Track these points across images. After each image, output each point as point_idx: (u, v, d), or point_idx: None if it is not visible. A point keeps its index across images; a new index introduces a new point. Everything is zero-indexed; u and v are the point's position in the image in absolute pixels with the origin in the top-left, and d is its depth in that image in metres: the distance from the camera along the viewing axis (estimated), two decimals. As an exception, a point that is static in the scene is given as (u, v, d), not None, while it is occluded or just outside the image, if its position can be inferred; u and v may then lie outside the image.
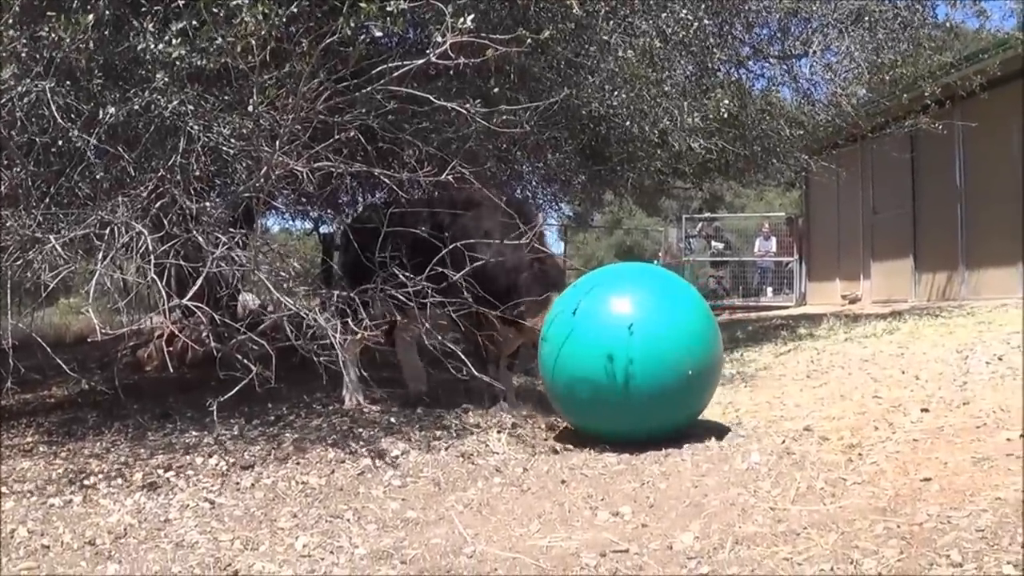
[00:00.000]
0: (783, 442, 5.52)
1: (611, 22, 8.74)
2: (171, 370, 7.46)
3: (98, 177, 5.84)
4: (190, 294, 5.60)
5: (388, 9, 5.30)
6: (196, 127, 5.83)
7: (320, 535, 4.44)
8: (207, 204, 6.10)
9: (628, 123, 9.33)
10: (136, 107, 5.64)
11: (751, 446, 5.46)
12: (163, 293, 5.66)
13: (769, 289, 24.47)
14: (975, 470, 4.41)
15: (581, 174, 10.95)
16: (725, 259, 25.42)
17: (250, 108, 5.75)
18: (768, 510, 4.28)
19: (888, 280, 18.44)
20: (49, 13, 5.26)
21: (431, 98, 6.02)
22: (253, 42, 5.30)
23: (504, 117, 6.58)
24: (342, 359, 7.39)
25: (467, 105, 6.12)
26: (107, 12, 5.60)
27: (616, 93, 8.88)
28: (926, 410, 5.83)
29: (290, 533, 4.49)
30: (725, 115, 9.97)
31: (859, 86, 11.70)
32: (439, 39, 5.38)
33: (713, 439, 5.73)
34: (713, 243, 25.35)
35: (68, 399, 6.77)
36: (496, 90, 7.13)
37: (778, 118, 11.57)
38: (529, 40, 5.68)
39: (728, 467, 5.09)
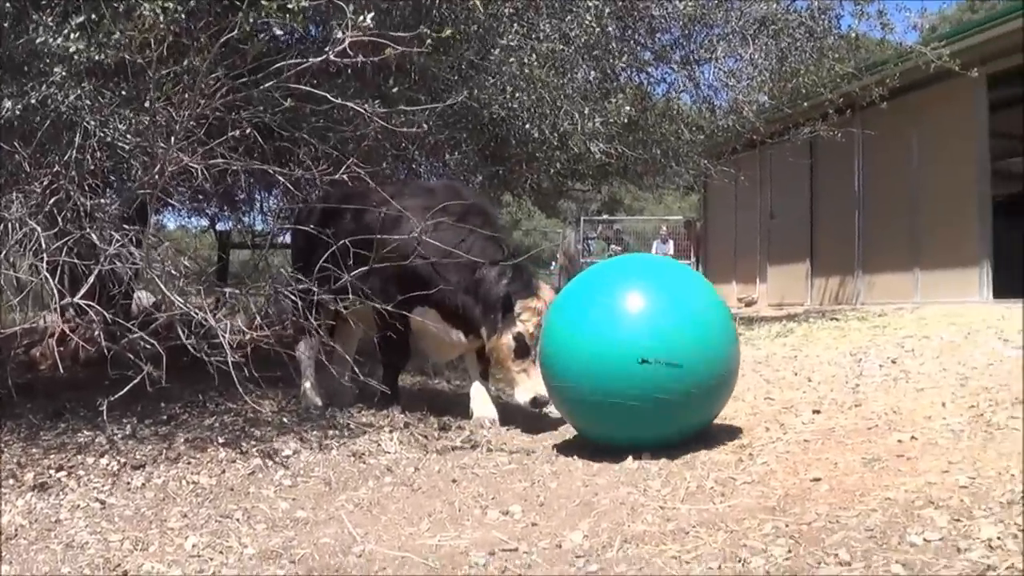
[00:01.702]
0: (677, 445, 5.48)
1: (515, 25, 8.76)
2: (62, 370, 7.33)
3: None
4: (82, 292, 5.53)
5: (289, 7, 5.26)
6: (92, 122, 5.74)
7: (210, 535, 4.41)
8: (102, 201, 6.01)
9: (528, 125, 9.34)
10: (32, 101, 5.53)
11: (644, 448, 5.42)
12: (55, 291, 5.58)
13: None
14: (865, 471, 4.46)
15: (479, 174, 10.93)
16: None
17: (147, 103, 5.67)
18: (657, 509, 4.31)
19: (784, 283, 18.73)
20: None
21: (329, 96, 6.00)
22: (151, 37, 5.24)
23: (404, 118, 6.57)
24: (301, 360, 7.51)
25: (365, 105, 6.10)
26: (6, 4, 5.50)
27: (517, 95, 8.90)
28: (818, 411, 5.89)
29: (180, 533, 4.46)
30: (626, 120, 10.03)
31: (761, 93, 11.86)
32: (339, 35, 5.35)
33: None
34: (612, 245, 25.48)
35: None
36: (396, 90, 7.10)
37: (679, 123, 11.66)
38: (430, 40, 5.68)
39: (619, 467, 5.14)
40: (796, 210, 18.21)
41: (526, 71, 8.76)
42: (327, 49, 5.49)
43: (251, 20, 5.33)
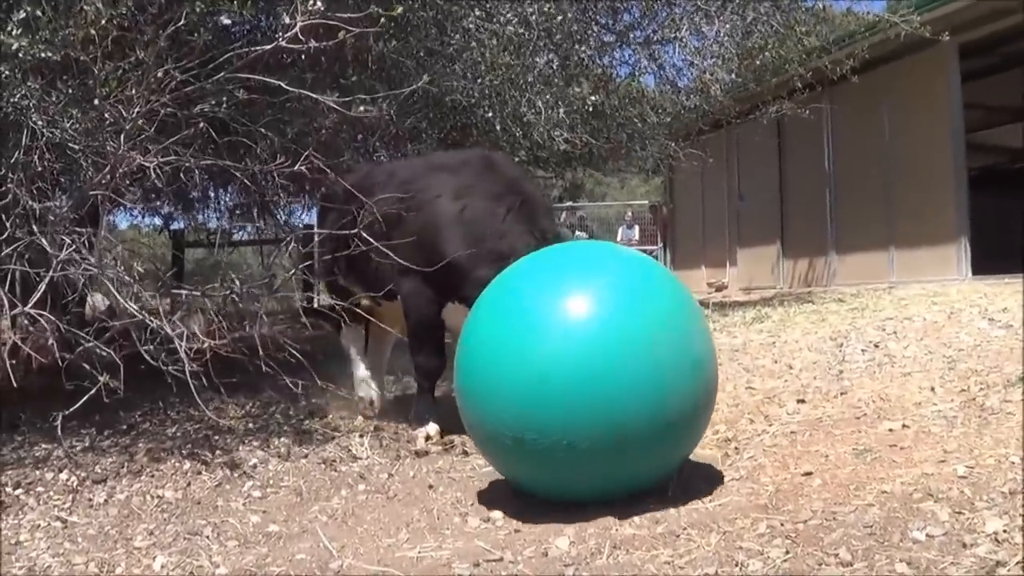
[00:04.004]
0: None
1: (475, 9, 8.59)
2: (14, 382, 7.11)
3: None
4: (33, 300, 5.32)
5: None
6: (40, 122, 5.53)
7: (179, 554, 4.23)
8: (51, 203, 5.79)
9: (490, 114, 9.18)
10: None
11: None
12: (5, 300, 5.37)
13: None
14: (858, 463, 4.32)
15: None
16: (590, 249, 25.17)
17: (95, 101, 5.47)
18: (645, 511, 4.14)
19: (755, 266, 18.59)
20: None
21: (283, 85, 5.81)
22: (95, 32, 5.05)
23: (362, 108, 6.37)
24: (346, 350, 7.26)
25: (323, 95, 5.93)
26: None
27: (479, 81, 8.73)
28: (803, 401, 5.69)
29: (147, 553, 4.29)
30: (590, 109, 9.86)
31: (726, 71, 11.67)
32: (287, 21, 5.17)
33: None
34: (576, 232, 25.33)
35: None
36: (354, 79, 6.93)
37: (643, 105, 11.48)
38: (382, 19, 5.52)
39: None
40: (765, 191, 18.06)
41: (487, 56, 8.58)
42: (278, 35, 5.32)
43: (197, 10, 5.16)
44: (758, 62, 11.75)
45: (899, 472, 4.07)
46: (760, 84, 13.04)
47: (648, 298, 4.27)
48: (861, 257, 15.58)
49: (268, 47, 5.45)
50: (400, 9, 5.97)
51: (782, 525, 3.70)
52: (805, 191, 17.02)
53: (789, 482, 4.25)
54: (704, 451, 5.00)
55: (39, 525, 4.73)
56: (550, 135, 9.47)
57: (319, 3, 5.16)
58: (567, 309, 4.16)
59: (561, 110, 9.44)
